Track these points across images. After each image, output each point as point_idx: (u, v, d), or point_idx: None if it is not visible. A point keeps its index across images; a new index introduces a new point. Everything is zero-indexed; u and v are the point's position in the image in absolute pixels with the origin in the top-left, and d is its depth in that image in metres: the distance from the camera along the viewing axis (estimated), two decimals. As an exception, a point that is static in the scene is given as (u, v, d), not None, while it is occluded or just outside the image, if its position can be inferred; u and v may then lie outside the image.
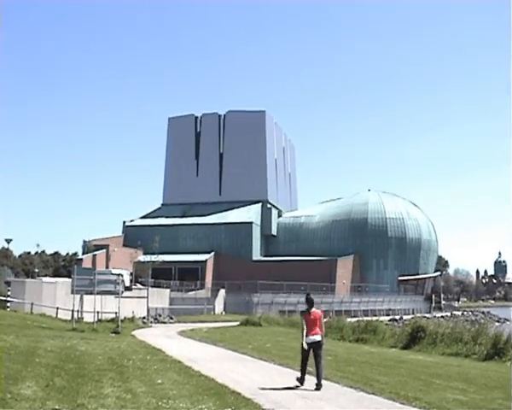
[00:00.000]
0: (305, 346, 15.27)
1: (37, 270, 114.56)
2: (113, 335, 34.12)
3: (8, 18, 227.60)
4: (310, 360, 15.34)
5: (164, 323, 54.53)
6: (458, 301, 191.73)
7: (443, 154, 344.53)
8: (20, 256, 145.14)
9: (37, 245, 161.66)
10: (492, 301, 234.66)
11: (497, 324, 76.70)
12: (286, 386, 15.44)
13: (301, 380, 15.37)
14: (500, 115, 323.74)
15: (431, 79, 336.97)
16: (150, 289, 56.48)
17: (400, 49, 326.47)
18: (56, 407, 10.86)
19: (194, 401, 12.40)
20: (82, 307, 41.50)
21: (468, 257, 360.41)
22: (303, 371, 15.44)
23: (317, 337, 15.29)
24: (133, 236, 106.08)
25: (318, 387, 14.84)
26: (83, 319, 41.60)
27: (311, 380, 15.17)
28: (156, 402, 12.01)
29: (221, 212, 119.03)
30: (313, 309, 15.65)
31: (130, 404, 11.72)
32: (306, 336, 15.23)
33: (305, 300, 16.22)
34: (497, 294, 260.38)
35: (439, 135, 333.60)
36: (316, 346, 15.29)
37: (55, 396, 11.84)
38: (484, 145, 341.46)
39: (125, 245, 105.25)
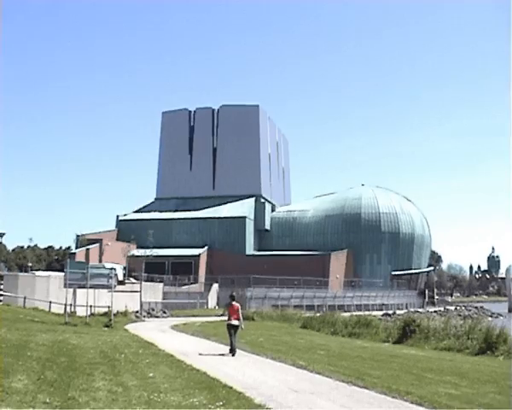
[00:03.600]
0: (226, 324, 21.94)
1: (30, 264, 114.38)
2: (106, 329, 34.13)
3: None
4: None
5: (157, 317, 54.49)
6: (451, 296, 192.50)
7: (437, 149, 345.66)
8: (13, 250, 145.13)
9: (30, 239, 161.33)
10: (486, 297, 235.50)
11: (489, 318, 76.84)
12: (278, 380, 15.48)
13: (231, 351, 21.23)
14: (495, 112, 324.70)
15: (426, 74, 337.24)
16: (143, 283, 56.41)
17: (395, 43, 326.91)
18: (47, 401, 10.85)
19: (186, 394, 12.42)
20: (75, 301, 41.49)
21: (462, 252, 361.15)
22: (232, 344, 21.39)
23: (236, 322, 21.70)
24: (127, 230, 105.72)
25: (233, 353, 21.02)
26: (75, 313, 41.55)
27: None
28: (147, 396, 12.02)
29: (214, 206, 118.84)
30: (234, 302, 22.05)
31: (121, 397, 11.73)
32: (229, 320, 21.77)
33: (229, 296, 22.94)
34: (491, 289, 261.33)
35: (434, 130, 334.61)
36: (234, 327, 21.61)
37: (46, 390, 11.85)
38: (478, 141, 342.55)
39: (118, 239, 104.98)
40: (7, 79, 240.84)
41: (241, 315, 22.16)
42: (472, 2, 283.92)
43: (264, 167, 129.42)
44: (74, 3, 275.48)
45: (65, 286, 38.58)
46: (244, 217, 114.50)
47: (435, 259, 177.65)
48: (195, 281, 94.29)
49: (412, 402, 12.77)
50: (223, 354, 21.41)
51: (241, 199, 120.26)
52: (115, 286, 41.61)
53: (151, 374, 15.17)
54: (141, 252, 66.10)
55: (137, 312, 51.95)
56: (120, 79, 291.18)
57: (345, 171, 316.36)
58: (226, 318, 22.35)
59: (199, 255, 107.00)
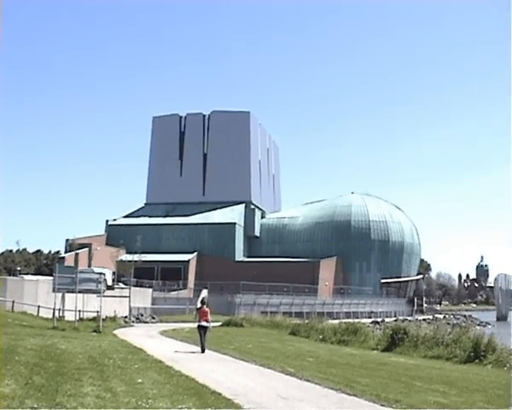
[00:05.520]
0: (197, 326, 25.14)
1: (19, 268, 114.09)
2: (95, 334, 33.96)
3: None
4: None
5: (146, 322, 54.33)
6: (440, 304, 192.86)
7: (427, 157, 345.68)
8: (1, 254, 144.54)
9: (17, 242, 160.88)
10: (474, 305, 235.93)
11: (478, 327, 76.95)
12: (267, 387, 15.44)
13: (202, 350, 24.36)
14: (488, 119, 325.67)
15: (418, 82, 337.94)
16: (132, 288, 56.37)
17: (386, 50, 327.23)
18: (35, 406, 10.77)
19: (175, 400, 12.34)
20: (63, 306, 41.33)
21: (451, 261, 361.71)
22: (202, 344, 24.56)
23: (205, 324, 24.80)
24: (116, 235, 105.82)
25: (203, 351, 24.18)
26: (64, 317, 41.40)
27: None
28: (136, 402, 11.94)
29: (204, 212, 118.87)
30: (204, 306, 25.46)
31: (109, 403, 11.64)
32: (199, 321, 24.88)
33: (200, 300, 27.82)
34: (479, 297, 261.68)
35: (424, 138, 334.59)
36: (204, 328, 24.74)
37: (33, 395, 11.75)
38: (468, 149, 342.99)
39: (107, 244, 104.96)
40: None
41: (210, 318, 25.50)
42: (467, 14, 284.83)
43: (255, 174, 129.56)
44: (65, 9, 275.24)
45: (53, 290, 38.39)
46: (234, 223, 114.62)
47: (424, 267, 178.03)
48: (185, 287, 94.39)
49: (401, 410, 12.78)
50: (193, 353, 24.19)
51: (231, 205, 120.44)
52: (104, 291, 41.42)
53: (140, 380, 15.06)
54: (130, 257, 66.00)
55: (126, 317, 51.80)
56: (111, 84, 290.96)
57: (335, 178, 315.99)
58: (197, 320, 25.44)
59: (188, 261, 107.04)
